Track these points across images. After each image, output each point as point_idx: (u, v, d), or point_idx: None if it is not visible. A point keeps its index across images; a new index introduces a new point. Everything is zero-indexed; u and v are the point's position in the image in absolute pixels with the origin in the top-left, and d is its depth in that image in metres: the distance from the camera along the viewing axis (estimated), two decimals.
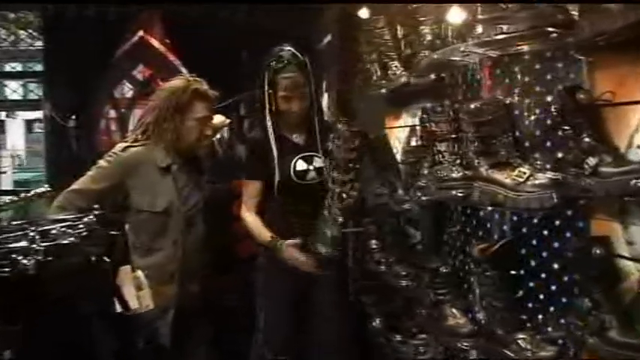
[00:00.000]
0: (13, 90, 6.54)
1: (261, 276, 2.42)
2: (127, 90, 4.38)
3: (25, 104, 6.92)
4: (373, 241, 2.87)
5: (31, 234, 1.17)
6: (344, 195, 2.18)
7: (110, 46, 4.16)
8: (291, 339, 2.36)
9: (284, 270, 2.31)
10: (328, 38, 3.91)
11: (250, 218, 2.35)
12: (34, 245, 1.15)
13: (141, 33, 4.23)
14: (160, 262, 2.17)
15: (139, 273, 1.66)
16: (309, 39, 3.96)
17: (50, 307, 1.17)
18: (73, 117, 4.69)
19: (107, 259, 1.27)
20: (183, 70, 3.87)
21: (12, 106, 6.80)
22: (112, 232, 1.39)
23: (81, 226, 1.33)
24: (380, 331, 2.77)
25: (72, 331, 1.20)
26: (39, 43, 5.47)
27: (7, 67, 6.75)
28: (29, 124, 13.03)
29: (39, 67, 5.72)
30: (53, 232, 1.23)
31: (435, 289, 2.09)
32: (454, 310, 2.00)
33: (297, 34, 3.42)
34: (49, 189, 1.77)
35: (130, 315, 1.50)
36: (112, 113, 4.42)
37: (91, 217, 1.43)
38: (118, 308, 1.35)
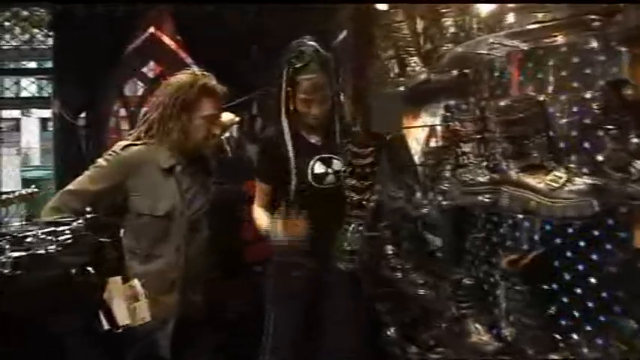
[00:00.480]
0: (24, 87, 6.50)
1: (271, 282, 2.29)
2: (137, 88, 4.30)
3: (36, 102, 6.89)
4: (389, 247, 2.72)
5: (0, 243, 1.03)
6: (364, 202, 2.03)
7: (120, 43, 4.08)
8: (300, 346, 2.24)
9: (294, 276, 2.20)
10: (343, 34, 3.78)
11: (259, 214, 2.24)
12: (1, 257, 1.02)
13: (151, 30, 4.19)
14: (161, 269, 2.03)
15: (135, 282, 1.53)
16: (324, 36, 3.85)
17: (22, 326, 1.03)
18: (83, 115, 4.65)
19: (92, 270, 1.13)
20: (195, 67, 3.78)
21: (23, 104, 6.77)
22: (102, 240, 1.25)
23: (67, 232, 1.19)
24: (395, 341, 2.62)
25: (50, 350, 1.06)
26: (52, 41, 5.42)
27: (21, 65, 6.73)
28: (44, 122, 13.08)
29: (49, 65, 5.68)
30: (28, 240, 1.09)
31: (457, 302, 1.94)
32: (477, 326, 1.84)
33: (312, 30, 3.30)
34: (35, 190, 1.64)
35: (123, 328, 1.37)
36: (122, 111, 4.34)
37: (80, 221, 1.29)
38: (105, 325, 1.21)
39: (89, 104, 4.51)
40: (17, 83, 6.98)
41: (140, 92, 4.26)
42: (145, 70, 4.28)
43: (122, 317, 1.29)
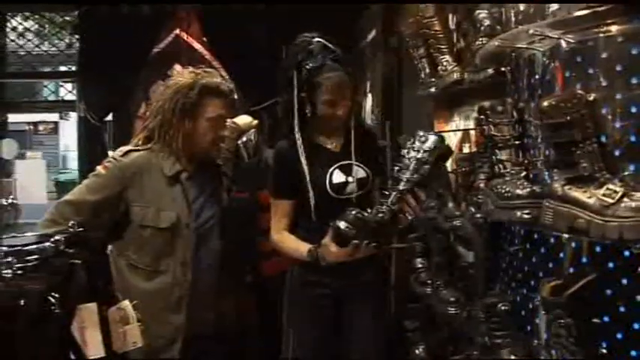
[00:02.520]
0: (51, 90, 6.54)
1: (290, 300, 2.13)
2: (166, 83, 4.23)
3: (68, 105, 6.96)
4: (418, 260, 2.62)
5: None
6: (399, 196, 1.89)
7: (146, 45, 4.05)
8: None
9: (316, 294, 2.05)
10: (372, 34, 3.64)
11: (283, 238, 2.06)
12: None
13: (177, 31, 4.16)
14: (166, 286, 1.90)
15: (126, 304, 1.38)
16: (353, 35, 3.75)
17: None
18: (108, 117, 4.66)
19: (52, 299, 0.97)
20: (221, 70, 3.75)
21: (48, 107, 6.83)
22: (74, 261, 1.09)
23: (35, 253, 1.04)
24: None
25: None
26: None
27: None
28: None
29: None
30: None
31: (491, 329, 1.73)
32: (513, 358, 1.63)
33: (340, 30, 3.17)
34: (13, 201, 1.50)
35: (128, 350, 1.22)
36: (147, 114, 4.27)
37: (58, 238, 1.13)
38: (71, 358, 1.05)
39: (114, 107, 4.53)
40: (55, 91, 7.07)
41: None
42: (170, 72, 4.21)
43: (94, 349, 1.14)
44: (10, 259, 0.97)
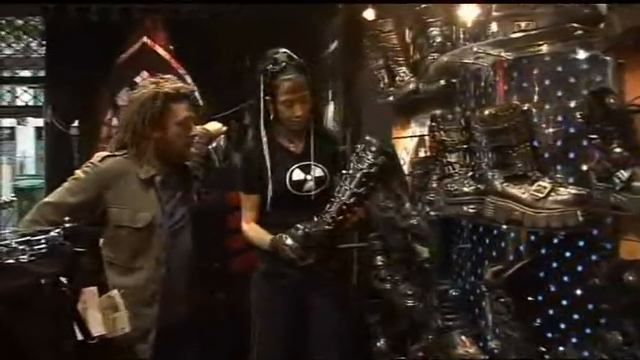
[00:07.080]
0: (16, 96, 6.50)
1: (257, 292, 2.27)
2: (129, 97, 4.28)
3: (30, 111, 6.87)
4: (378, 257, 2.74)
5: None
6: (344, 207, 2.01)
7: (113, 52, 4.10)
8: (285, 356, 2.19)
9: (279, 285, 2.18)
10: (334, 45, 3.80)
11: (251, 228, 2.23)
12: None
13: (144, 39, 4.18)
14: (141, 281, 1.98)
15: (115, 292, 1.50)
16: (315, 45, 3.89)
17: None
18: (75, 124, 4.67)
19: (64, 280, 1.10)
20: (187, 77, 3.81)
21: (16, 113, 6.74)
22: (78, 249, 1.23)
23: (43, 241, 1.17)
24: (384, 353, 2.63)
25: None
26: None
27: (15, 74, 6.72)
28: (39, 130, 13.08)
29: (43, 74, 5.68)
30: None
31: (444, 314, 1.93)
32: (464, 338, 1.84)
33: (304, 40, 3.31)
34: (13, 198, 1.61)
35: (105, 339, 1.35)
36: (114, 120, 4.33)
37: (58, 231, 1.27)
38: (78, 335, 1.18)
39: (81, 113, 4.54)
40: (11, 91, 6.97)
41: None
42: (137, 79, 4.26)
43: (96, 328, 1.27)
44: (23, 246, 1.10)
